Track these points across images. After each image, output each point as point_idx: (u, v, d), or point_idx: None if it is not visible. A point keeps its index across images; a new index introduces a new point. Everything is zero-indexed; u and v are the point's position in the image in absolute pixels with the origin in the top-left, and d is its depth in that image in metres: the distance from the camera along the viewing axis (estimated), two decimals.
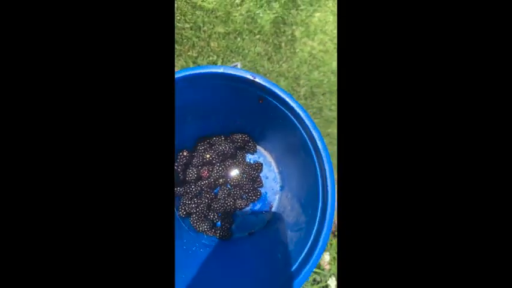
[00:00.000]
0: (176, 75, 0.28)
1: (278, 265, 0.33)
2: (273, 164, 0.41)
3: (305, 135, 0.28)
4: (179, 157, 0.39)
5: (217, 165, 0.40)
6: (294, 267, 0.29)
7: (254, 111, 0.33)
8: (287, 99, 0.27)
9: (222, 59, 0.85)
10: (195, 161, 0.40)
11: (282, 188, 0.40)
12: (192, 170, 0.40)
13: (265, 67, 0.85)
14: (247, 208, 0.40)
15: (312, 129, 0.27)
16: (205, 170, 0.40)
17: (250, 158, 0.42)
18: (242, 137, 0.40)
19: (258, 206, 0.40)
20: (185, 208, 0.39)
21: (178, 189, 0.39)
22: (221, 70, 0.28)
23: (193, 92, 0.30)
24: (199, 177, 0.40)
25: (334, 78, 0.86)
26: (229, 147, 0.40)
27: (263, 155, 0.42)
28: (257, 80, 0.27)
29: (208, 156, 0.40)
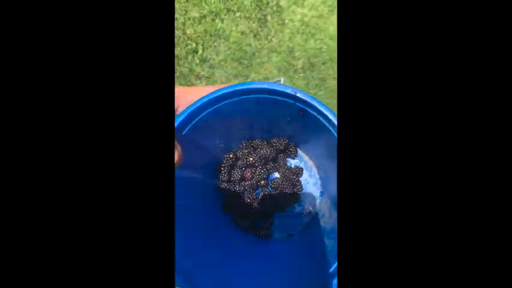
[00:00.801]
0: (222, 92, 0.30)
1: (314, 270, 0.34)
2: (314, 169, 0.43)
3: None
4: (225, 159, 0.41)
5: (259, 168, 0.42)
6: (328, 273, 0.31)
7: (295, 120, 0.35)
8: (326, 113, 0.29)
9: (202, 45, 0.78)
10: (239, 163, 0.42)
11: (322, 193, 0.41)
12: (236, 171, 0.42)
13: (252, 45, 0.79)
14: (287, 210, 0.42)
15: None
16: (248, 171, 0.42)
17: (291, 162, 0.43)
18: (283, 141, 0.42)
19: (297, 209, 0.42)
20: (228, 207, 0.42)
21: (224, 188, 0.42)
22: (265, 86, 0.30)
23: (238, 103, 0.33)
24: (243, 178, 0.42)
25: (334, 44, 0.78)
26: (271, 151, 0.42)
27: (304, 160, 0.43)
28: (298, 94, 0.30)
29: (251, 159, 0.42)
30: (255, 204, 0.41)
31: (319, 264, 0.34)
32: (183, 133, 0.31)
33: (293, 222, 0.42)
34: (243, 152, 0.42)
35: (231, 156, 0.42)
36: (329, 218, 0.38)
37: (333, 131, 0.30)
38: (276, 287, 0.35)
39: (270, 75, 0.78)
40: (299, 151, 0.43)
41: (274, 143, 0.42)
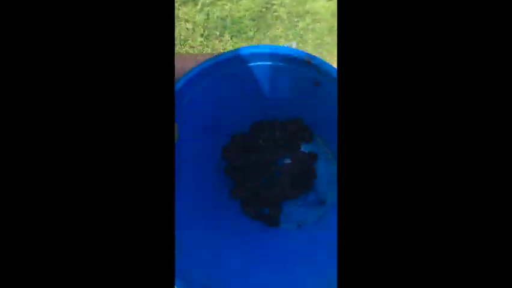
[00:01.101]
0: (220, 58, 0.26)
1: (321, 268, 0.31)
2: (331, 156, 0.38)
3: None
4: (233, 140, 0.38)
5: (269, 152, 0.39)
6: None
7: (309, 96, 0.30)
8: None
9: None
10: (248, 146, 0.39)
11: (338, 183, 0.37)
12: (245, 155, 0.39)
13: None
14: (298, 199, 0.39)
15: None
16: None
17: (305, 147, 0.39)
18: (297, 123, 0.38)
19: (309, 199, 0.38)
20: (236, 192, 0.39)
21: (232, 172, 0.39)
22: (271, 50, 0.26)
23: (244, 75, 0.29)
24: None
25: None
26: (283, 134, 0.38)
27: (319, 145, 0.39)
28: (312, 61, 0.25)
29: (260, 141, 0.39)
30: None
31: (327, 262, 0.31)
32: (181, 108, 0.28)
33: (304, 212, 0.38)
34: (252, 134, 0.39)
35: (238, 138, 0.38)
36: None
37: None
38: (278, 279, 0.32)
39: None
40: (314, 134, 0.39)
41: (290, 124, 0.38)
